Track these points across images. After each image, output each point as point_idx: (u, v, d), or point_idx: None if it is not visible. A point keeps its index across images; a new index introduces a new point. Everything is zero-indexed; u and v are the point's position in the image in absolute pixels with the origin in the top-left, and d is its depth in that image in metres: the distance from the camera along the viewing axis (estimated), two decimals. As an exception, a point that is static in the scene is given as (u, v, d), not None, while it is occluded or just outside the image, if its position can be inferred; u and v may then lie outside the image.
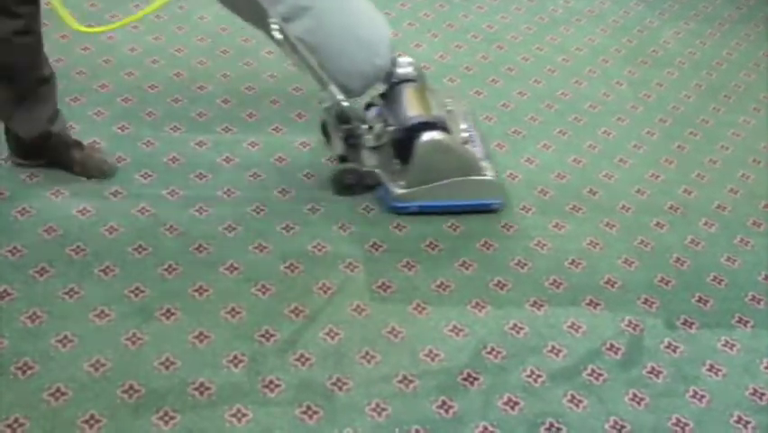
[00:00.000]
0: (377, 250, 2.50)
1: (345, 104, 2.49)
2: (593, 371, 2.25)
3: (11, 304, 2.19)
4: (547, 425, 2.10)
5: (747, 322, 2.46)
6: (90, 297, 2.24)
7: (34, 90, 2.38)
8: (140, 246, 2.39)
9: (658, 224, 2.76)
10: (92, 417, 1.96)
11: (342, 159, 2.61)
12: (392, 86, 2.65)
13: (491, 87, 3.26)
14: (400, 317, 2.31)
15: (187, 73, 3.07)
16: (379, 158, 2.63)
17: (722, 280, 2.59)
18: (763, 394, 2.26)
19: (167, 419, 1.98)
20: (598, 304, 2.44)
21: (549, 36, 3.61)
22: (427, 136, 2.49)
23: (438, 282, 2.43)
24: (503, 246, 2.58)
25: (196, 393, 2.05)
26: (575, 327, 2.37)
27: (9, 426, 1.92)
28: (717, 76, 3.53)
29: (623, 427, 2.13)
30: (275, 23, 2.36)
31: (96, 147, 2.65)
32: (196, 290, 2.29)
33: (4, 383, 2.00)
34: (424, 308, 2.35)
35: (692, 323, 2.44)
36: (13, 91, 2.35)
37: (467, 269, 2.49)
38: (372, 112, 2.71)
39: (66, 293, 2.24)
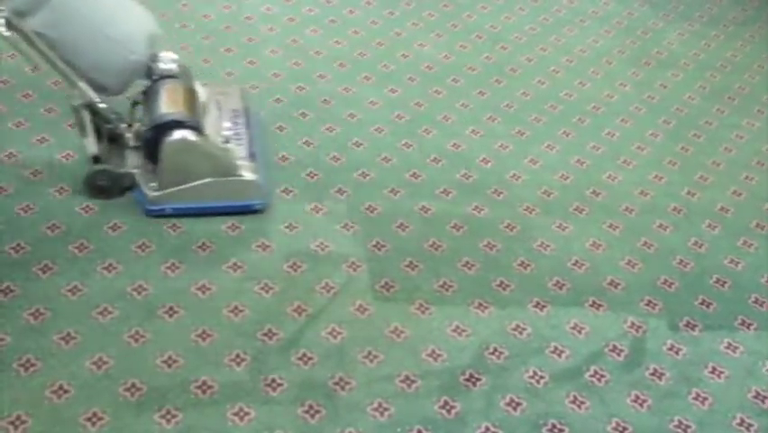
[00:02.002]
0: (380, 249, 2.50)
1: (100, 103, 2.36)
2: (596, 372, 2.25)
3: (13, 301, 2.19)
4: (549, 426, 2.10)
5: (750, 325, 2.46)
6: (93, 294, 2.23)
7: None
8: (143, 244, 2.39)
9: (661, 225, 2.75)
10: (94, 414, 1.96)
11: (96, 159, 2.45)
12: (152, 83, 2.50)
13: (495, 88, 3.25)
14: (403, 317, 2.31)
15: (191, 71, 3.06)
16: (141, 159, 2.51)
17: (725, 283, 2.58)
18: (765, 397, 2.26)
19: (169, 417, 1.98)
20: (600, 305, 2.44)
21: (553, 37, 3.61)
22: (174, 135, 2.37)
23: (441, 282, 2.43)
24: (506, 247, 2.58)
25: (199, 392, 2.05)
26: (578, 328, 2.36)
27: (11, 423, 1.92)
28: (722, 78, 3.53)
29: (625, 428, 2.12)
30: (2, 18, 2.17)
31: None
32: (199, 289, 2.29)
33: (6, 380, 2.00)
34: (426, 308, 2.35)
35: (695, 325, 2.43)
36: None
37: (470, 269, 2.49)
38: (138, 110, 2.59)
39: (69, 290, 2.24)
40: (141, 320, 2.19)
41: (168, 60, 2.51)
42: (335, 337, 2.23)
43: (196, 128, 2.42)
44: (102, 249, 2.36)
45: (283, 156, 2.76)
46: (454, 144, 2.93)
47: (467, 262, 2.51)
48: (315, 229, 2.53)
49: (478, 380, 2.18)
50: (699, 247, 2.70)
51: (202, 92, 2.61)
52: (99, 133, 2.46)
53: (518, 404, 2.14)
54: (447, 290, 2.41)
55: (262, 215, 2.54)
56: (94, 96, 2.35)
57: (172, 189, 2.44)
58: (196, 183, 2.44)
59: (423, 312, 2.34)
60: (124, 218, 2.45)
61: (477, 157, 2.90)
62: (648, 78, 3.44)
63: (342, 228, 2.55)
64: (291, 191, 2.64)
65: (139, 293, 2.25)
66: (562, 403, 2.16)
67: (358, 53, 3.30)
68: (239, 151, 2.55)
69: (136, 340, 2.14)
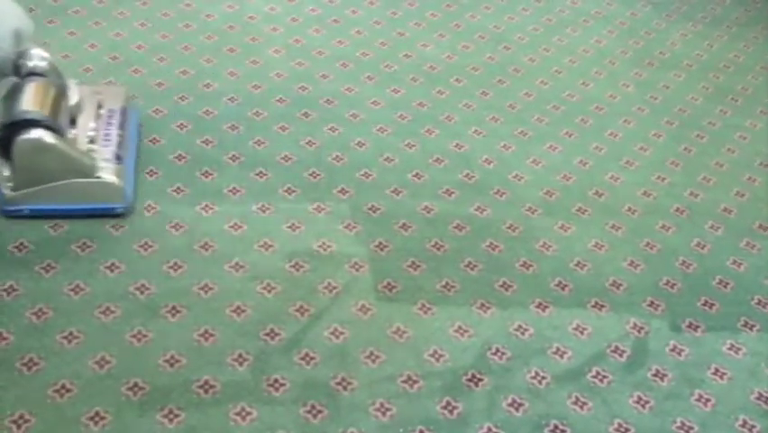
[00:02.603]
0: (382, 250, 2.50)
1: None
2: (598, 373, 2.25)
3: (17, 300, 2.19)
4: (551, 427, 2.10)
5: (753, 326, 2.45)
6: (96, 294, 2.24)
7: None
8: (145, 243, 2.39)
9: (664, 226, 2.75)
10: (97, 414, 1.96)
11: None
12: (19, 80, 2.42)
13: (498, 88, 3.25)
14: (405, 318, 2.31)
15: (194, 71, 3.07)
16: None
17: (728, 284, 2.58)
18: (768, 398, 2.26)
19: (171, 416, 1.98)
20: (603, 306, 2.44)
21: (556, 37, 3.61)
22: (28, 134, 2.29)
23: (443, 283, 2.43)
24: (508, 247, 2.58)
25: (201, 391, 2.05)
26: (580, 328, 2.36)
27: (14, 422, 1.92)
28: (725, 78, 3.52)
29: (627, 429, 2.12)
30: None
31: None
32: (202, 288, 2.30)
33: (9, 379, 2.01)
34: (429, 309, 2.35)
35: (698, 326, 2.43)
36: None
37: (472, 269, 2.49)
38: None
39: (72, 290, 2.24)
40: (144, 320, 2.19)
41: (36, 58, 2.44)
42: (338, 337, 2.23)
43: (53, 128, 2.34)
44: (104, 248, 2.36)
45: (286, 156, 2.76)
46: (457, 145, 2.93)
47: (469, 263, 2.51)
48: (318, 229, 2.53)
49: (480, 380, 2.18)
50: (702, 248, 2.70)
51: (75, 91, 2.56)
52: None
53: (520, 405, 2.14)
54: (449, 290, 2.41)
55: (264, 214, 2.54)
56: None
57: (29, 190, 2.37)
58: (53, 184, 2.37)
59: (425, 312, 2.34)
60: (127, 218, 2.45)
61: (479, 157, 2.90)
62: (651, 79, 3.44)
63: (345, 228, 2.55)
64: (294, 191, 2.64)
65: (141, 293, 2.26)
66: (564, 404, 2.16)
67: (361, 53, 3.30)
68: (103, 152, 2.48)
69: (139, 340, 2.14)
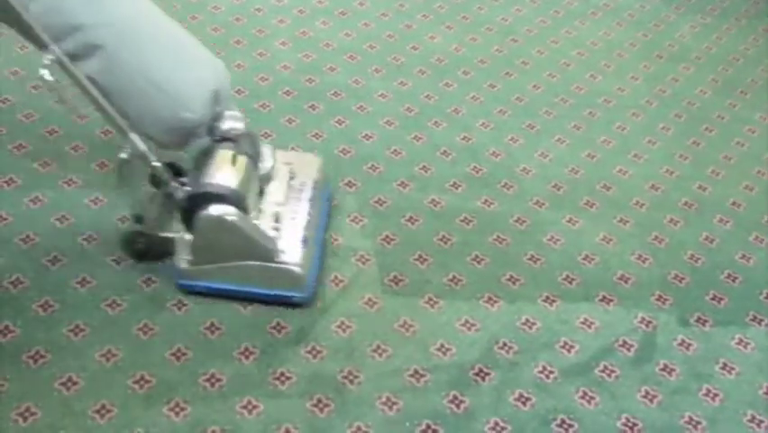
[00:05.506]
0: (389, 243, 2.49)
1: (150, 157, 2.13)
2: (605, 367, 2.24)
3: (23, 292, 2.19)
4: (559, 421, 2.10)
5: (762, 320, 2.44)
6: (102, 286, 2.24)
7: None
8: (152, 236, 2.39)
9: (672, 220, 2.74)
10: (103, 406, 1.96)
11: (138, 219, 2.26)
12: (213, 143, 2.25)
13: (505, 81, 3.24)
14: (412, 311, 2.30)
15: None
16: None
17: (736, 278, 2.57)
18: (776, 393, 2.25)
19: (177, 409, 1.98)
20: (611, 300, 2.43)
21: (564, 30, 3.59)
22: (210, 210, 2.11)
23: (450, 276, 2.42)
24: (516, 241, 2.57)
25: (207, 385, 2.05)
26: (588, 323, 2.35)
27: (20, 414, 1.92)
28: (734, 71, 3.50)
29: (635, 424, 2.12)
30: (50, 61, 1.95)
31: None
32: (208, 281, 2.29)
33: (15, 372, 2.01)
34: (436, 302, 2.34)
35: (706, 320, 2.42)
36: None
37: (479, 263, 2.48)
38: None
39: (78, 282, 2.24)
40: (151, 313, 2.19)
41: (231, 120, 2.24)
42: (344, 331, 2.23)
43: (238, 205, 2.16)
44: (111, 241, 2.35)
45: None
46: (464, 137, 2.92)
47: (476, 256, 2.50)
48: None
49: (487, 374, 2.18)
50: (711, 242, 2.68)
51: (269, 156, 2.34)
52: (158, 189, 2.24)
53: (528, 399, 2.13)
54: (456, 284, 2.41)
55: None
56: (144, 147, 2.12)
57: (206, 266, 2.21)
58: (231, 264, 2.20)
59: (432, 306, 2.33)
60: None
61: (487, 150, 2.89)
62: (660, 72, 3.42)
63: (352, 221, 2.54)
64: (300, 184, 2.63)
65: (148, 285, 2.25)
66: (571, 398, 2.15)
67: (368, 45, 3.29)
68: (289, 233, 2.27)
69: (145, 333, 2.14)
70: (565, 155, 2.93)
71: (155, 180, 2.20)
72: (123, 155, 2.13)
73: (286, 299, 2.24)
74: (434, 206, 2.64)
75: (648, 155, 2.99)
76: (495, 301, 2.37)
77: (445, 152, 2.85)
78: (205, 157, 2.23)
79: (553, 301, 2.40)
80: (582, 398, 2.16)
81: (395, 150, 2.82)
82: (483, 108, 3.08)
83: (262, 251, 2.19)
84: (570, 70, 3.35)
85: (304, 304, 2.25)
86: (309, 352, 2.16)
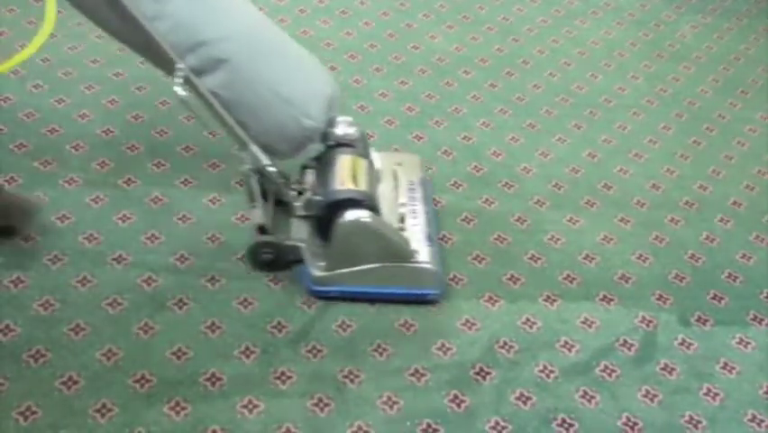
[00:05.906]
0: (390, 242, 2.49)
1: (269, 167, 2.21)
2: (606, 367, 2.24)
3: (24, 292, 2.19)
4: (559, 420, 2.10)
5: (762, 320, 2.44)
6: (103, 285, 2.24)
7: None
8: (152, 235, 2.39)
9: (673, 219, 2.74)
10: (104, 406, 1.96)
11: (262, 230, 2.28)
12: (327, 149, 2.33)
13: (506, 80, 3.24)
14: (413, 310, 2.30)
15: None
16: (308, 230, 2.32)
17: (737, 278, 2.57)
18: (777, 393, 2.25)
19: (178, 409, 1.98)
20: (611, 299, 2.43)
21: (565, 29, 3.59)
22: (349, 216, 2.16)
23: (451, 276, 2.42)
24: (516, 240, 2.57)
25: (208, 384, 2.05)
26: (588, 322, 2.35)
27: (21, 413, 1.92)
28: (735, 71, 3.50)
29: (635, 423, 2.12)
30: (181, 77, 2.05)
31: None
32: (209, 281, 2.29)
33: (16, 371, 2.01)
34: (436, 302, 2.34)
35: (707, 320, 2.42)
36: None
37: (480, 262, 2.48)
38: (309, 176, 2.38)
39: (79, 281, 2.24)
40: (151, 312, 2.19)
41: (344, 125, 2.32)
42: (345, 330, 2.22)
43: (372, 208, 2.21)
44: (111, 240, 2.36)
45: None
46: (465, 137, 2.92)
47: (477, 256, 2.50)
48: (325, 221, 2.52)
49: (488, 374, 2.18)
50: (711, 242, 2.68)
51: (377, 160, 2.43)
52: (266, 198, 2.31)
53: (528, 398, 2.13)
54: (457, 283, 2.41)
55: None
56: (265, 159, 2.19)
57: (341, 271, 2.23)
58: (367, 267, 2.23)
59: (433, 305, 2.33)
60: (133, 209, 2.45)
61: (488, 150, 2.89)
62: (660, 71, 3.42)
63: (352, 221, 2.54)
64: (301, 183, 2.63)
65: (149, 285, 2.25)
66: (572, 398, 2.15)
67: (369, 45, 3.29)
68: (415, 231, 2.33)
69: (146, 332, 2.14)
70: (566, 155, 2.93)
71: (266, 187, 2.26)
72: (246, 168, 2.19)
73: (421, 297, 2.30)
74: (435, 205, 2.64)
75: (649, 155, 2.99)
76: (495, 301, 2.37)
77: (446, 151, 2.85)
78: (324, 164, 2.29)
79: (554, 301, 2.40)
80: (583, 397, 2.16)
81: (396, 149, 2.81)
82: (484, 108, 3.08)
83: (400, 252, 2.23)
84: (570, 70, 3.35)
85: (436, 301, 2.31)
86: (310, 351, 2.16)
